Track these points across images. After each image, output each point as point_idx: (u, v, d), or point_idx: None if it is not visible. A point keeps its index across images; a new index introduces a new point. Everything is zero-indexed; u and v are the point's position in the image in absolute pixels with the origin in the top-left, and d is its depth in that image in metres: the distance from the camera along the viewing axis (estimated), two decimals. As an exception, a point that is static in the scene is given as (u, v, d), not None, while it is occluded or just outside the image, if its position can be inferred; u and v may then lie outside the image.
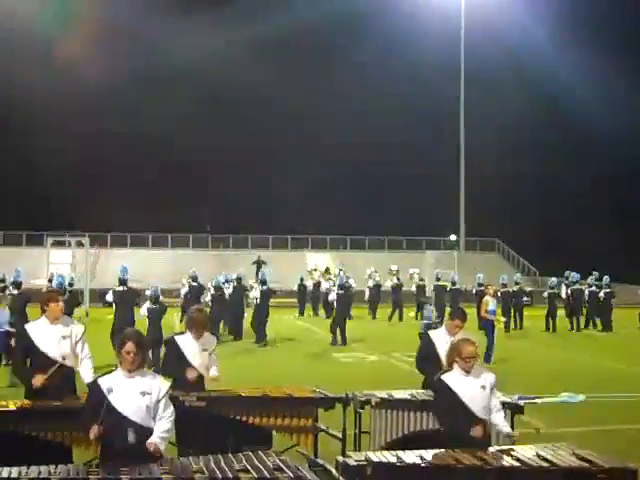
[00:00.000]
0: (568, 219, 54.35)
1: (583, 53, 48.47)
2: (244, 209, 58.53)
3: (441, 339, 7.79)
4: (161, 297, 15.83)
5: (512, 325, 25.65)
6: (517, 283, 26.98)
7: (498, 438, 6.38)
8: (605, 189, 58.14)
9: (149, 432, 5.32)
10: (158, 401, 5.42)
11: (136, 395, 5.37)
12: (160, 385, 5.50)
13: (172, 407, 5.54)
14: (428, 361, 7.76)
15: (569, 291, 27.18)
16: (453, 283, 28.15)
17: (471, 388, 5.94)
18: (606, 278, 27.58)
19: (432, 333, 8.05)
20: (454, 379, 5.99)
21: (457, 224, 48.77)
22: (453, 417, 5.90)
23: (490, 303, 17.51)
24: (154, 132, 55.42)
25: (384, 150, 57.38)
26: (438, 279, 28.80)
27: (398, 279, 31.38)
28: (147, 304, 15.31)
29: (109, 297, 16.45)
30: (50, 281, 22.84)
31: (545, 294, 27.28)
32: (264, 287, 21.24)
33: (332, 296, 22.70)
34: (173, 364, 7.55)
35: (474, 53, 46.33)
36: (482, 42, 45.59)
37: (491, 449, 5.59)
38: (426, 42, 47.12)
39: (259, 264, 42.70)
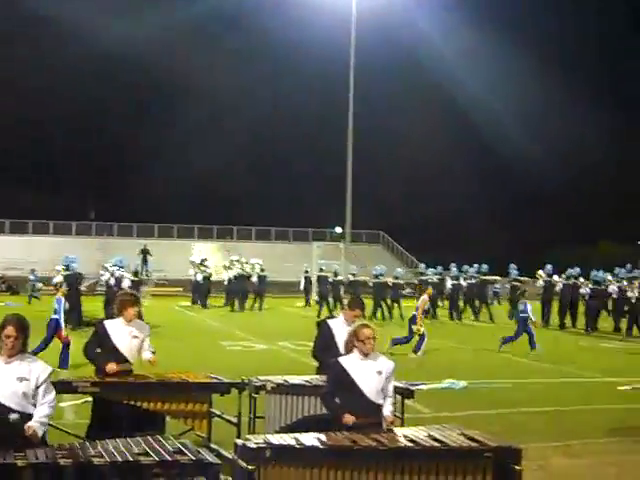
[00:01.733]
0: (457, 212, 55.86)
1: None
2: (131, 197, 57.53)
3: (340, 328, 7.71)
4: None
5: (381, 316, 26.43)
6: (397, 277, 27.87)
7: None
8: (495, 183, 60.23)
9: (28, 419, 5.19)
10: (37, 387, 5.28)
11: (12, 381, 5.21)
12: (40, 371, 5.35)
13: (54, 393, 5.41)
14: (326, 350, 7.64)
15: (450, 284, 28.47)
16: (335, 274, 29.01)
17: (366, 371, 6.03)
18: (468, 269, 29.28)
19: (331, 322, 7.97)
20: (350, 362, 6.09)
21: (344, 216, 49.41)
22: (341, 399, 5.99)
23: (428, 304, 19.89)
24: (41, 117, 53.84)
25: (274, 142, 57.57)
26: (321, 270, 29.92)
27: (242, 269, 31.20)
28: None
29: None
30: None
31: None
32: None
33: (126, 283, 21.93)
34: (96, 348, 7.40)
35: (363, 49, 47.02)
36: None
37: (385, 431, 5.75)
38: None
39: (145, 253, 42.08)
